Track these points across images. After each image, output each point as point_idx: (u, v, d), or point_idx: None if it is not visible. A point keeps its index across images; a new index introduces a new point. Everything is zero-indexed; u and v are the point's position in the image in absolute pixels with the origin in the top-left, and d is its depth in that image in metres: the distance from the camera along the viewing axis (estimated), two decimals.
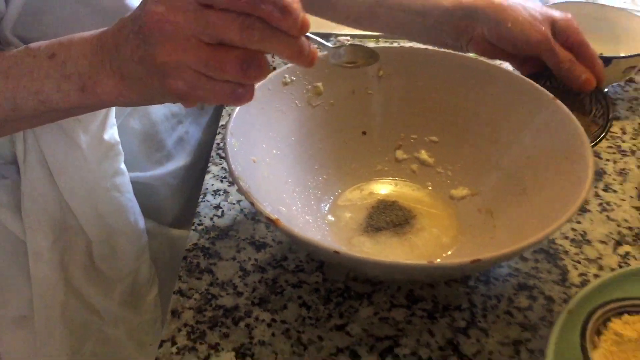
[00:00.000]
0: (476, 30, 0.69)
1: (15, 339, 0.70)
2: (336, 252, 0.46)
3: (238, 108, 0.58)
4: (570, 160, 0.54)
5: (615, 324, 0.49)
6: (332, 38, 0.94)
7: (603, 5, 0.87)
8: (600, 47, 0.81)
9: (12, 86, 0.49)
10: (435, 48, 0.68)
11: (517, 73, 0.65)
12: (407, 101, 0.67)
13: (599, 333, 0.48)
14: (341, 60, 0.52)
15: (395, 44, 0.88)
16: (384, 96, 0.67)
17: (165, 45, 0.42)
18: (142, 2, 0.44)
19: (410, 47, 0.70)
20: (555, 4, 0.85)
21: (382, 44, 0.91)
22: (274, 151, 0.61)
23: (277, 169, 0.61)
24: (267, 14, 0.41)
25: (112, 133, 0.64)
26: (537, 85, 0.61)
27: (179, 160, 0.78)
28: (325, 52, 0.51)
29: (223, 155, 0.71)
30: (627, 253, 0.61)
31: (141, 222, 0.69)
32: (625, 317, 0.49)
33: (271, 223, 0.49)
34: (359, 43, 0.53)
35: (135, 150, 0.72)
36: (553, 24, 0.68)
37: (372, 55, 0.53)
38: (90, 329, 0.70)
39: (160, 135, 0.75)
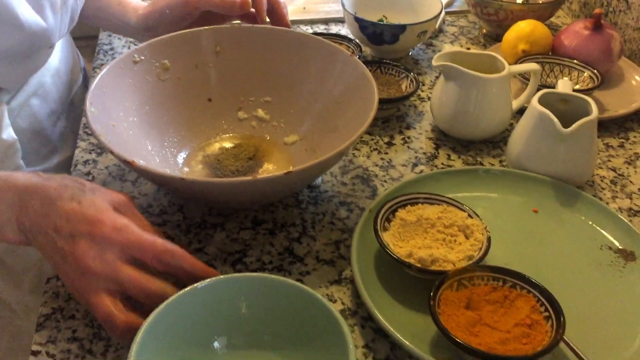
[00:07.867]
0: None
1: None
2: (182, 179, 0.59)
3: (95, 82, 0.69)
4: (363, 99, 0.71)
5: (401, 213, 0.65)
6: None
7: None
8: (401, 19, 1.00)
9: None
10: (260, 25, 0.82)
11: (322, 38, 0.80)
12: (242, 70, 0.81)
13: (389, 220, 0.65)
14: None
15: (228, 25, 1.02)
16: (222, 68, 0.81)
17: (76, 274, 0.52)
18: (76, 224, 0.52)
19: (240, 26, 0.83)
20: None
21: None
22: (131, 118, 0.73)
23: (135, 132, 0.73)
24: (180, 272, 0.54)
25: (9, 132, 0.70)
26: (334, 44, 0.77)
27: (64, 153, 0.86)
28: None
29: (89, 132, 0.82)
30: (422, 170, 0.79)
31: None
32: (408, 207, 0.66)
33: (128, 165, 0.61)
34: None
35: (25, 147, 0.78)
36: None
37: None
38: (4, 324, 0.77)
39: (45, 132, 0.82)
